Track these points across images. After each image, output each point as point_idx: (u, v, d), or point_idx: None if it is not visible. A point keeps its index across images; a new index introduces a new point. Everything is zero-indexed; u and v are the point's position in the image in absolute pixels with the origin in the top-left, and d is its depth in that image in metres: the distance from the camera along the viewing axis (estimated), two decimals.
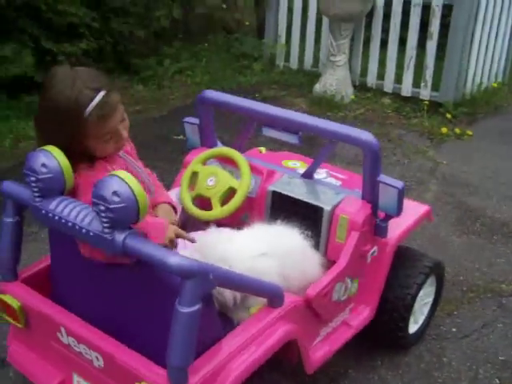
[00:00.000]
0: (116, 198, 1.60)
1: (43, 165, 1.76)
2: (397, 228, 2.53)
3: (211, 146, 2.70)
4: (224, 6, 7.29)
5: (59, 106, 1.79)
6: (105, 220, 1.63)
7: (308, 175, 2.50)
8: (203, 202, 2.56)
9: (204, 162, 2.57)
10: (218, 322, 1.85)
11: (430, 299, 2.80)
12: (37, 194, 1.80)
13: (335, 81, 5.74)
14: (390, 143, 4.96)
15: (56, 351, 2.02)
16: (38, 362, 2.11)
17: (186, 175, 2.53)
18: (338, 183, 2.60)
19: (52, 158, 1.77)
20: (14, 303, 2.04)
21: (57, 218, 1.76)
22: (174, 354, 1.62)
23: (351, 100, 5.76)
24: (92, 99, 1.79)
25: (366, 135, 2.21)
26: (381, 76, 5.91)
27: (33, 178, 1.78)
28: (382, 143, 4.76)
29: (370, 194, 2.30)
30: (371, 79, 5.95)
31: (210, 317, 1.80)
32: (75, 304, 2.04)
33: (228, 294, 1.93)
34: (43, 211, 1.80)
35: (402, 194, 2.23)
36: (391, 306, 2.55)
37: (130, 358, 1.76)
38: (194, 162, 2.56)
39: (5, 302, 2.05)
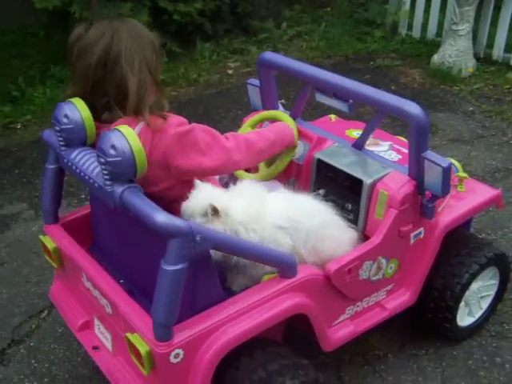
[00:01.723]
0: (113, 152, 1.63)
1: (65, 116, 1.84)
2: (452, 210, 2.35)
3: (272, 109, 2.65)
4: None
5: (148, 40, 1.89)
6: (105, 172, 1.67)
7: (358, 146, 2.38)
8: None
9: (255, 125, 2.54)
10: (218, 286, 1.84)
11: (491, 293, 2.58)
12: (61, 143, 1.89)
13: (455, 52, 5.33)
14: (502, 122, 4.54)
15: (82, 294, 2.13)
16: (70, 302, 2.25)
17: None
18: (397, 157, 2.43)
19: (75, 110, 1.84)
20: (49, 244, 2.17)
21: (74, 167, 1.84)
22: (158, 311, 1.64)
23: (471, 73, 5.34)
24: None
25: (411, 106, 2.03)
26: (509, 48, 5.41)
27: (57, 128, 1.87)
28: (493, 121, 4.49)
29: (415, 171, 2.13)
30: (497, 51, 5.45)
31: (207, 279, 1.80)
32: (108, 249, 2.15)
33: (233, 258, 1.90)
34: (65, 160, 1.88)
35: (447, 173, 2.04)
36: (438, 293, 2.38)
37: (130, 309, 1.81)
38: (246, 124, 2.55)
39: (43, 242, 2.20)
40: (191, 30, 5.85)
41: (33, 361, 2.50)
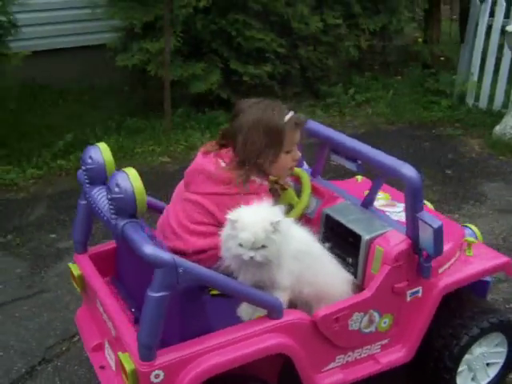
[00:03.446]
0: (117, 189, 1.88)
1: (90, 157, 2.13)
2: (454, 273, 2.41)
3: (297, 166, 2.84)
4: (420, 39, 7.21)
5: (266, 121, 2.26)
6: (111, 207, 1.92)
7: (366, 204, 2.51)
8: None
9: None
10: (207, 317, 2.02)
11: (500, 361, 2.57)
12: (86, 181, 2.18)
13: None
14: None
15: (98, 318, 2.36)
16: (89, 325, 2.48)
17: None
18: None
19: (98, 153, 2.13)
20: (75, 271, 2.44)
21: (92, 202, 2.11)
22: (142, 332, 1.83)
23: None
24: (287, 114, 2.33)
25: (407, 169, 2.17)
26: None
27: (83, 167, 2.16)
28: None
29: (412, 231, 2.24)
30: None
31: (195, 311, 1.98)
32: (126, 281, 2.38)
33: None
34: (87, 195, 2.16)
35: (438, 234, 2.13)
36: (437, 354, 2.42)
37: (126, 331, 2.01)
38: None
39: (71, 269, 2.47)
40: (261, 91, 6.19)
41: (56, 379, 2.74)
